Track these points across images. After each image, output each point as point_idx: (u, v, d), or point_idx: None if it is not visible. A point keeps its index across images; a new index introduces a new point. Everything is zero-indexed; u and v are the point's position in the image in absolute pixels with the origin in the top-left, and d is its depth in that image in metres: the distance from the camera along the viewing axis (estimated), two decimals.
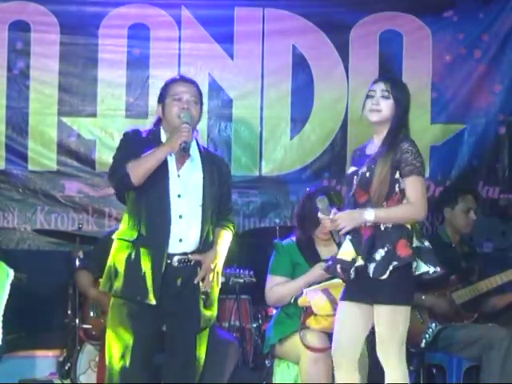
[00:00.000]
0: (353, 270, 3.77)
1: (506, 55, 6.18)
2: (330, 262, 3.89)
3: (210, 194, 4.06)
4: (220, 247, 4.09)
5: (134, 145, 4.03)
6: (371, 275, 3.75)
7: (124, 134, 4.15)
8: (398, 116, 3.85)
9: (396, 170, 3.80)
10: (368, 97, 3.87)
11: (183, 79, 4.16)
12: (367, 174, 3.82)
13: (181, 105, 4.03)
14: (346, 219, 3.79)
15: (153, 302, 3.94)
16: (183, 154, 3.96)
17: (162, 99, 4.11)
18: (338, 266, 3.83)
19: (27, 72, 5.99)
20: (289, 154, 6.12)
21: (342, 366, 3.87)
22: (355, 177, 3.85)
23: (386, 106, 3.83)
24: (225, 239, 4.14)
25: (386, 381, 3.82)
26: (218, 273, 4.07)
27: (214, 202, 4.08)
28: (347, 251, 3.82)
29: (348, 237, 3.84)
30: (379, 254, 3.76)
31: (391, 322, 3.81)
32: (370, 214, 3.77)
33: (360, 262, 3.77)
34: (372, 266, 3.75)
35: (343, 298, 3.89)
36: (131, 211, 4.06)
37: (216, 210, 4.10)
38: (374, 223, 3.77)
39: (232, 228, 4.21)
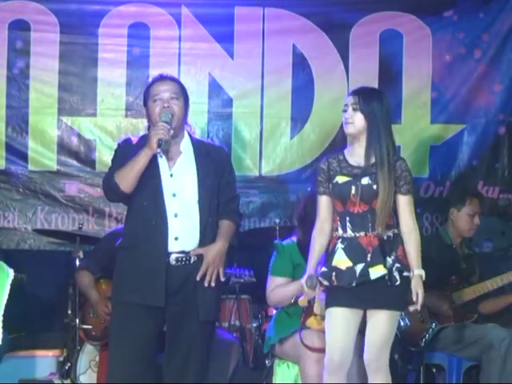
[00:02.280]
0: (357, 276, 3.84)
1: (506, 55, 6.17)
2: (325, 269, 3.90)
3: (206, 189, 4.04)
4: (222, 240, 4.07)
5: (124, 154, 4.04)
6: (390, 282, 3.86)
7: (117, 145, 4.20)
8: (372, 127, 3.92)
9: (394, 185, 3.92)
10: (343, 110, 4.00)
11: (161, 78, 4.14)
12: (374, 187, 3.88)
13: (161, 104, 4.03)
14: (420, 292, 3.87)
15: (159, 304, 3.95)
16: (159, 150, 3.94)
17: (145, 103, 4.13)
18: (334, 274, 3.88)
19: (27, 71, 5.97)
20: (289, 153, 6.12)
21: (342, 370, 3.92)
22: (353, 187, 3.89)
23: (358, 119, 3.93)
24: (228, 231, 4.11)
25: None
26: (220, 267, 4.05)
27: (211, 195, 4.06)
28: (341, 260, 3.88)
29: (340, 245, 3.89)
30: (388, 262, 3.88)
31: (393, 327, 3.91)
32: (421, 272, 3.90)
33: (360, 269, 3.84)
34: (381, 273, 3.85)
35: (333, 305, 3.91)
36: (129, 217, 4.10)
37: (216, 202, 4.08)
38: (376, 234, 3.88)
39: (234, 217, 4.17)
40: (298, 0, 6.11)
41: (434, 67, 6.16)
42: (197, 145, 4.14)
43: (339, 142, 5.90)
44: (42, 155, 6.00)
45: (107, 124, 6.06)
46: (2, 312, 4.64)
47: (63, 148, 6.03)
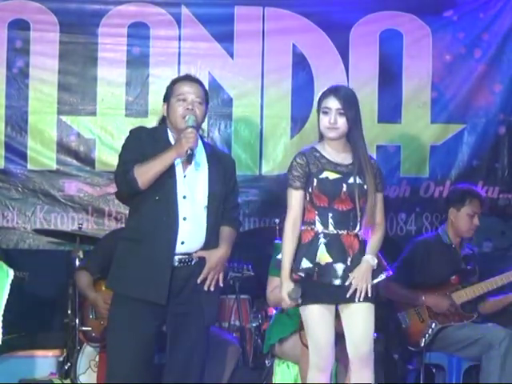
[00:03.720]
0: (339, 275, 3.85)
1: (506, 55, 6.18)
2: (310, 265, 3.87)
3: (215, 195, 4.04)
4: (225, 246, 4.08)
5: (140, 144, 4.02)
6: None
7: (130, 132, 4.14)
8: (356, 127, 3.93)
9: None
10: (323, 112, 3.96)
11: (188, 78, 4.14)
12: (365, 186, 3.90)
13: (185, 105, 4.02)
14: (363, 279, 3.85)
15: (161, 301, 3.94)
16: (188, 161, 3.95)
17: (167, 98, 4.10)
18: (316, 270, 3.87)
19: (27, 71, 5.97)
20: (289, 153, 6.08)
21: (328, 367, 3.93)
22: (344, 185, 3.89)
23: (342, 124, 3.92)
24: (230, 237, 4.12)
25: (365, 380, 3.89)
26: (221, 272, 4.06)
27: (219, 201, 4.06)
28: (322, 255, 3.87)
29: (322, 240, 3.88)
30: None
31: (371, 320, 3.90)
32: (373, 260, 3.89)
33: (342, 267, 3.85)
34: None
35: (306, 302, 3.90)
36: (137, 210, 4.05)
37: (221, 209, 4.08)
38: (355, 234, 3.89)
39: (236, 225, 4.19)
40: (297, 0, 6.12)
41: (434, 67, 6.16)
42: (208, 149, 4.14)
43: None
44: (42, 154, 6.00)
45: (107, 123, 6.05)
46: (2, 312, 4.63)
47: (63, 147, 6.02)
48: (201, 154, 4.08)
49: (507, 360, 4.84)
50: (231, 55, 6.08)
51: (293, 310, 4.55)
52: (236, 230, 4.17)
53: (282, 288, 3.92)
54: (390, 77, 6.11)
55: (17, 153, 5.98)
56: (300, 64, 6.10)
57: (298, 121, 6.11)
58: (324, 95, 3.97)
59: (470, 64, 6.15)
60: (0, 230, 5.96)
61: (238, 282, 5.45)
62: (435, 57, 6.15)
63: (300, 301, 3.89)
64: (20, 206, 5.98)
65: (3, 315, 4.54)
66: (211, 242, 4.03)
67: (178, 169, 4.00)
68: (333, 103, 3.92)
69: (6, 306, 4.55)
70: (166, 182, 3.96)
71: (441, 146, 6.18)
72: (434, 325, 5.04)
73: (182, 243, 3.97)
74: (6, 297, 4.59)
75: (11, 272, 4.68)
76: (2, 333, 4.51)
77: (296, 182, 3.96)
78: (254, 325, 5.44)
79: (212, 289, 4.02)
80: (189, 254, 4.00)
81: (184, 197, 3.99)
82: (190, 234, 3.98)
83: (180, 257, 3.98)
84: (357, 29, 6.09)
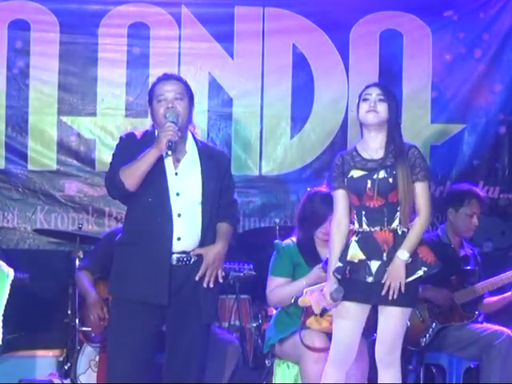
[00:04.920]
0: (373, 272, 3.87)
1: (506, 54, 6.19)
2: (340, 264, 3.91)
3: (210, 190, 4.05)
4: (222, 241, 4.08)
5: (128, 149, 4.04)
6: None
7: (119, 139, 4.18)
8: (395, 119, 3.98)
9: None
10: (363, 100, 3.98)
11: (165, 77, 4.13)
12: (390, 180, 3.89)
13: (165, 104, 4.03)
14: (394, 277, 3.84)
15: (162, 302, 3.95)
16: (170, 153, 3.95)
17: (150, 102, 4.12)
18: (348, 268, 3.89)
19: (27, 71, 5.98)
20: (289, 153, 6.12)
21: (344, 365, 3.97)
22: (369, 181, 3.89)
23: (382, 109, 3.95)
24: (227, 233, 4.13)
25: (389, 380, 3.93)
26: (219, 268, 4.07)
27: (214, 197, 4.07)
28: (354, 253, 3.90)
29: (354, 238, 3.91)
30: None
31: (403, 324, 3.95)
32: (404, 255, 3.86)
33: (376, 266, 3.87)
34: None
35: (346, 298, 3.93)
36: (132, 213, 4.08)
37: (217, 205, 4.09)
38: (392, 229, 3.88)
39: (233, 222, 4.19)
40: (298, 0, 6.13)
41: (434, 67, 6.17)
42: (200, 146, 4.15)
43: (339, 141, 5.97)
44: (42, 155, 6.01)
45: (107, 124, 6.07)
46: (2, 312, 4.63)
47: (63, 148, 6.03)
48: (193, 151, 4.09)
49: (507, 360, 4.84)
50: (231, 55, 6.08)
51: (293, 310, 4.57)
52: (233, 226, 4.17)
53: (326, 285, 3.98)
54: (389, 77, 6.09)
55: (17, 153, 5.99)
56: (300, 64, 6.11)
57: (298, 121, 6.12)
58: (364, 88, 4.01)
59: (470, 64, 6.16)
60: (0, 230, 5.98)
61: (238, 282, 5.45)
62: (435, 57, 6.16)
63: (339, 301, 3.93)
64: (20, 207, 5.99)
65: (3, 315, 4.55)
66: (208, 238, 4.04)
67: (169, 167, 4.02)
68: (373, 90, 3.97)
69: (6, 305, 4.55)
70: (157, 181, 3.98)
71: (441, 146, 6.18)
72: (434, 325, 5.04)
73: (179, 239, 3.98)
74: (6, 297, 4.59)
75: (11, 272, 4.68)
76: (3, 333, 4.51)
77: (335, 182, 4.00)
78: (254, 325, 5.45)
79: (211, 285, 4.02)
80: (186, 253, 4.00)
81: (177, 194, 4.00)
82: (186, 229, 3.99)
83: (178, 255, 3.99)
84: (357, 29, 6.10)
